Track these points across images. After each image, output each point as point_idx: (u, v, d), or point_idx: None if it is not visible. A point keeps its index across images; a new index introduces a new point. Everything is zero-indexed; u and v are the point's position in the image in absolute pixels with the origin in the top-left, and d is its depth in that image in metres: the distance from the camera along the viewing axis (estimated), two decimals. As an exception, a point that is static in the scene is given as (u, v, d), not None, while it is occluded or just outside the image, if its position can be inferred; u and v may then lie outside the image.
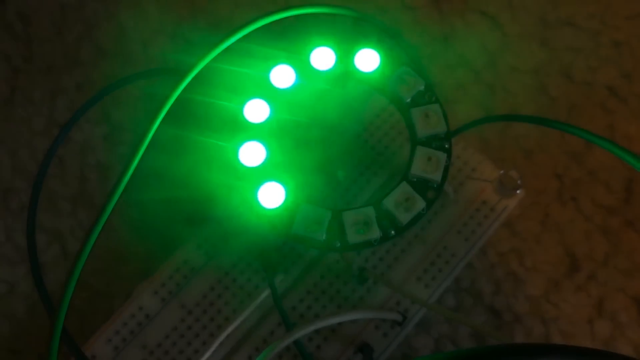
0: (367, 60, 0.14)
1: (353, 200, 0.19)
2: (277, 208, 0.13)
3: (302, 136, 0.18)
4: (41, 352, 0.20)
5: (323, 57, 0.15)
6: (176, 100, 0.14)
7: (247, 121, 0.14)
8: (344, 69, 0.15)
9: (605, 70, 0.22)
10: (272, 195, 0.13)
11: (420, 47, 0.18)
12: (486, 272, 0.20)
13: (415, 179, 0.13)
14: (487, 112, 0.22)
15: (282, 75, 0.14)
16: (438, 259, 0.18)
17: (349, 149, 0.19)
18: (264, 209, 0.14)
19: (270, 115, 0.14)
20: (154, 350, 0.17)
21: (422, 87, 0.14)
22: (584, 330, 0.20)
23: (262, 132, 0.14)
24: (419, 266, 0.18)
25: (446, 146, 0.14)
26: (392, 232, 0.13)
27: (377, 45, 0.14)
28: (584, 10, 0.23)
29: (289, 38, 0.23)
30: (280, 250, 0.18)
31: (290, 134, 0.16)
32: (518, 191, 0.16)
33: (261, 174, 0.14)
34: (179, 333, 0.18)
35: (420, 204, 0.13)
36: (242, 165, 0.14)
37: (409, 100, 0.14)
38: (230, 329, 0.17)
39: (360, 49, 0.14)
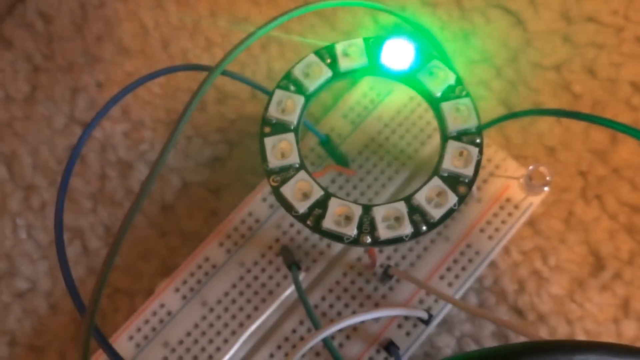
0: (396, 54, 0.14)
1: (375, 198, 0.19)
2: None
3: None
4: (62, 349, 0.20)
5: (350, 51, 0.14)
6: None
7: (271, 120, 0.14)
8: (371, 63, 0.15)
9: (629, 66, 0.22)
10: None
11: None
12: (509, 271, 0.20)
13: (446, 174, 0.13)
14: (509, 109, 0.22)
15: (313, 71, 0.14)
16: (461, 257, 0.18)
17: (371, 146, 0.19)
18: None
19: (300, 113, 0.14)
20: (175, 347, 0.17)
21: (452, 81, 0.14)
22: (610, 331, 0.19)
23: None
24: (442, 264, 0.18)
25: (477, 141, 0.13)
26: (424, 227, 0.13)
27: (406, 39, 0.14)
28: (606, 6, 0.23)
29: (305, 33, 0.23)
30: (301, 248, 0.18)
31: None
32: (546, 188, 0.16)
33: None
34: (201, 330, 0.18)
35: (452, 199, 0.13)
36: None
37: (439, 94, 0.14)
38: (252, 326, 0.17)
39: (388, 42, 0.14)
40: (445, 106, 0.14)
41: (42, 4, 0.24)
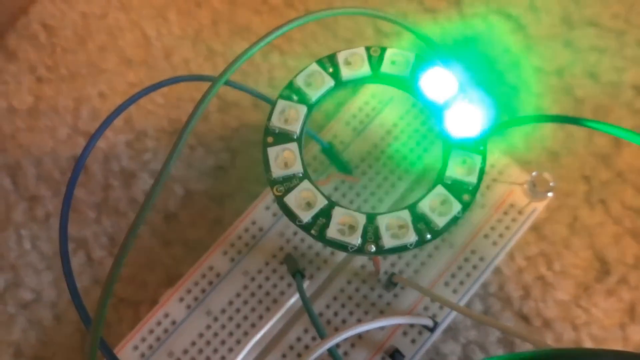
0: (399, 62, 0.14)
1: (379, 205, 0.19)
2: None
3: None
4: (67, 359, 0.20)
5: (352, 60, 0.14)
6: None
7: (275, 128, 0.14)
8: (373, 71, 0.15)
9: (631, 70, 0.22)
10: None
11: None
12: (514, 277, 0.20)
13: (450, 182, 0.13)
14: (511, 114, 0.22)
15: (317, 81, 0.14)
16: (466, 264, 0.18)
17: (374, 153, 0.19)
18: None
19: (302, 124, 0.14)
20: (180, 357, 0.17)
21: (455, 90, 0.14)
22: (616, 336, 0.19)
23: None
24: (446, 271, 0.18)
25: (481, 148, 0.14)
26: (428, 236, 0.13)
27: (408, 46, 0.14)
28: (607, 10, 0.23)
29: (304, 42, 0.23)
30: (305, 256, 0.18)
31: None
32: (550, 194, 0.16)
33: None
34: (205, 340, 0.18)
35: (456, 207, 0.13)
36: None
37: (442, 102, 0.14)
38: (257, 335, 0.17)
39: (390, 50, 0.14)
40: (449, 114, 0.14)
41: (45, 15, 0.24)
